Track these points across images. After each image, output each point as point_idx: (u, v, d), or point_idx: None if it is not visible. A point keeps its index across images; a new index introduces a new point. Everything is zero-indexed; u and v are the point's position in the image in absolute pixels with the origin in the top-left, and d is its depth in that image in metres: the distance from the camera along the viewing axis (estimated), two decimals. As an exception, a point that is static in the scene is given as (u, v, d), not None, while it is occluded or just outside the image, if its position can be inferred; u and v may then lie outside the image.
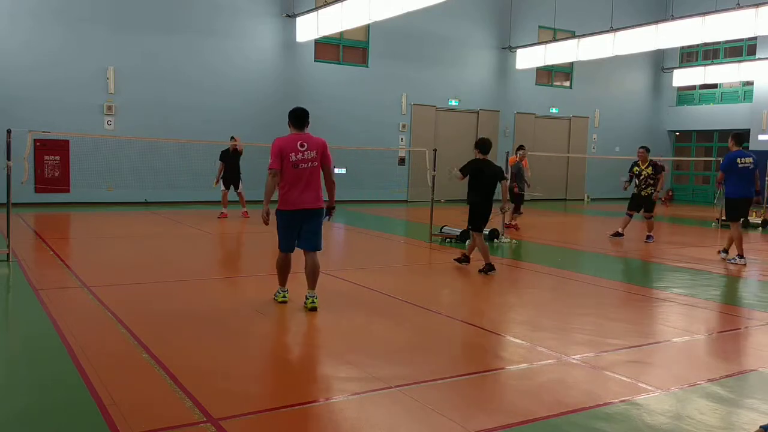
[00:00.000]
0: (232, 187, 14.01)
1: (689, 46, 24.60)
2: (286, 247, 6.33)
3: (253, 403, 3.98)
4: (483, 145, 8.64)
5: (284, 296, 6.51)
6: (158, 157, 15.97)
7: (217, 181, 14.02)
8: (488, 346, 5.51)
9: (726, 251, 10.58)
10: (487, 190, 8.55)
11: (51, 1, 15.73)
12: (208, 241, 11.33)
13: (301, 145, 6.09)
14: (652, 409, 4.09)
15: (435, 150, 11.99)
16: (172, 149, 15.43)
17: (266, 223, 6.25)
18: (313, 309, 6.23)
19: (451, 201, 19.54)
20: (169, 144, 15.30)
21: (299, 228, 6.22)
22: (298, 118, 6.22)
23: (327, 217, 6.38)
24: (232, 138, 13.97)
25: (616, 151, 24.95)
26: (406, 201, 20.61)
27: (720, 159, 17.43)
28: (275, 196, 6.18)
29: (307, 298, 6.31)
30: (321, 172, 6.23)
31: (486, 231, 11.81)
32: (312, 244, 6.29)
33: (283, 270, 6.46)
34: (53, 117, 15.13)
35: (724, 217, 13.89)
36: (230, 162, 13.84)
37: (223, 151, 13.97)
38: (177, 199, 16.38)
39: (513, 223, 13.42)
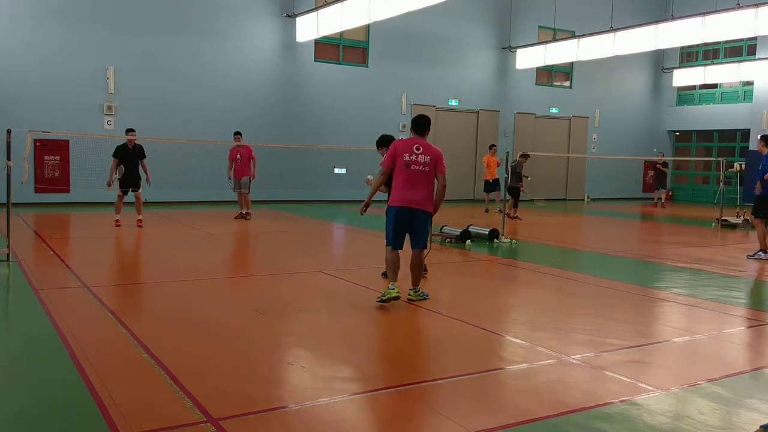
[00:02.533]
0: (130, 189, 12.13)
1: (689, 46, 24.60)
2: (391, 242, 6.62)
3: (253, 403, 3.98)
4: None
5: (396, 292, 6.46)
6: (158, 157, 15.92)
7: (111, 182, 11.87)
8: (488, 346, 5.51)
9: (766, 251, 10.51)
10: None
11: (51, 1, 15.73)
12: (208, 241, 11.33)
13: (417, 148, 6.44)
14: (652, 409, 4.09)
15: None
16: (172, 149, 15.42)
17: (362, 214, 6.84)
18: (410, 301, 6.66)
19: (450, 201, 19.53)
20: (169, 144, 15.30)
21: (408, 226, 6.53)
22: (419, 123, 6.59)
23: (453, 241, 6.75)
24: (130, 131, 12.08)
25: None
26: (406, 201, 20.59)
27: (720, 159, 17.52)
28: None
29: (409, 292, 6.71)
30: (434, 180, 6.51)
31: (486, 231, 11.82)
32: (417, 243, 6.66)
33: (391, 265, 6.59)
34: (53, 117, 15.13)
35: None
36: (129, 160, 11.94)
37: (118, 147, 12.02)
38: (177, 199, 16.38)
39: (514, 215, 15.57)
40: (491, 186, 17.98)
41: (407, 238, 6.72)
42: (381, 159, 7.75)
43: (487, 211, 17.54)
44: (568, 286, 8.31)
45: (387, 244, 6.65)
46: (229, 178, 13.81)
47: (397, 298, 6.48)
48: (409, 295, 6.74)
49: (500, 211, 17.29)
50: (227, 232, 12.25)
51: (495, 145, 18.58)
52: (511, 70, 22.78)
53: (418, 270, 6.75)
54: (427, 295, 6.84)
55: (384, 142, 7.70)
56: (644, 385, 4.48)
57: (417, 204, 6.46)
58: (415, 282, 6.77)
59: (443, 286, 7.84)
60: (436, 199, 6.59)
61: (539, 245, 12.27)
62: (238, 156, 13.71)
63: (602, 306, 7.06)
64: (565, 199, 24.57)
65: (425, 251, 6.78)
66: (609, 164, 25.14)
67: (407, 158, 6.41)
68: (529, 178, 16.67)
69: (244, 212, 13.85)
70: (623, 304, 7.24)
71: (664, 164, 21.80)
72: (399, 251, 6.66)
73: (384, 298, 6.47)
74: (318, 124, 18.89)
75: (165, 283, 7.94)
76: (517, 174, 15.56)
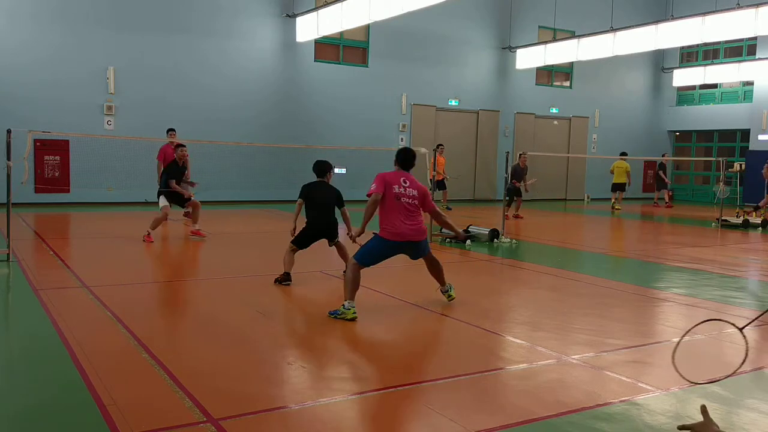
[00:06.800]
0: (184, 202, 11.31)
1: (689, 46, 24.58)
2: (368, 263, 6.39)
3: (253, 403, 3.98)
4: (315, 168, 7.88)
5: (354, 311, 6.05)
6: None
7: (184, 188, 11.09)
8: (488, 346, 5.51)
9: None
10: (318, 212, 7.73)
11: (51, 0, 15.73)
12: (208, 241, 11.32)
13: (404, 181, 6.39)
14: (652, 409, 4.09)
15: (435, 150, 12.03)
16: (172, 149, 15.42)
17: (354, 241, 6.91)
18: (451, 298, 6.74)
19: (450, 201, 19.54)
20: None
21: (400, 252, 6.50)
22: (407, 159, 6.57)
23: (453, 241, 6.77)
24: (181, 146, 11.17)
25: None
26: (406, 201, 20.59)
27: (720, 159, 17.53)
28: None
29: (444, 292, 6.76)
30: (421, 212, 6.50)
31: (486, 231, 11.82)
32: (417, 256, 6.65)
33: (354, 284, 6.22)
34: (53, 117, 15.11)
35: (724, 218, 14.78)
36: (179, 176, 11.09)
37: (172, 165, 11.11)
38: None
39: (516, 214, 16.05)
40: (441, 184, 17.72)
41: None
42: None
43: (449, 208, 17.57)
44: (568, 286, 8.31)
45: (358, 262, 6.28)
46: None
47: (354, 319, 6.02)
48: (450, 295, 6.72)
49: (449, 208, 17.42)
50: (226, 232, 12.25)
51: (442, 145, 17.97)
52: (511, 70, 22.78)
53: (439, 272, 6.73)
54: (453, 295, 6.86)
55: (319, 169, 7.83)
56: (644, 385, 4.48)
57: (414, 236, 6.32)
58: (442, 281, 6.77)
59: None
60: (443, 224, 6.75)
61: (539, 245, 12.27)
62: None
63: (602, 306, 7.06)
64: (565, 199, 24.57)
65: (430, 253, 6.76)
66: (609, 164, 25.12)
67: (397, 190, 6.29)
68: (528, 183, 16.40)
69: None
70: (623, 304, 7.24)
71: (660, 165, 21.85)
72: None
73: (339, 316, 6.03)
74: (318, 124, 18.88)
75: (165, 283, 7.94)
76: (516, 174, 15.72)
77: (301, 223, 7.75)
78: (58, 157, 15.94)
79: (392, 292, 7.25)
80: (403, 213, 6.28)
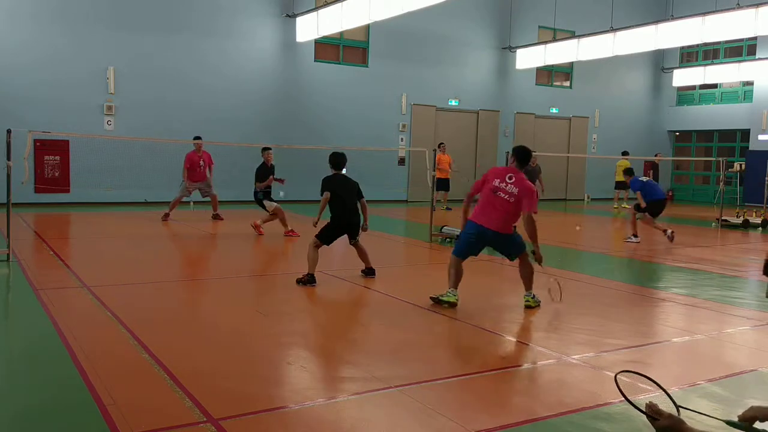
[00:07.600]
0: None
1: (689, 46, 24.58)
2: (460, 253, 6.68)
3: (253, 403, 3.98)
4: (334, 161, 8.06)
5: (455, 296, 6.51)
6: (158, 157, 15.96)
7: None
8: (488, 346, 5.51)
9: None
10: (342, 209, 7.94)
11: (51, 0, 15.73)
12: (208, 241, 11.33)
13: (509, 178, 6.52)
14: (652, 409, 4.08)
15: (435, 150, 12.02)
16: (172, 149, 15.42)
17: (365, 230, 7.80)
18: (528, 307, 6.66)
19: (451, 201, 19.57)
20: (169, 144, 15.30)
21: (482, 244, 6.70)
22: (521, 155, 6.69)
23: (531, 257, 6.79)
24: (267, 149, 12.15)
25: None
26: (406, 201, 20.61)
27: (720, 159, 17.55)
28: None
29: (525, 298, 6.77)
30: (517, 212, 6.54)
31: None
32: (511, 254, 6.78)
33: (457, 274, 6.62)
34: (53, 117, 15.12)
35: (723, 217, 14.94)
36: (269, 176, 11.91)
37: (262, 168, 11.94)
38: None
39: None
40: (445, 185, 17.82)
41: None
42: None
43: (434, 209, 17.48)
44: (568, 286, 8.30)
45: (453, 254, 6.70)
46: (189, 186, 13.47)
47: (452, 304, 6.46)
48: (526, 301, 6.74)
49: (448, 209, 17.32)
50: (228, 233, 12.24)
51: (443, 143, 18.17)
52: (511, 70, 22.78)
53: (527, 276, 6.77)
54: (540, 301, 6.81)
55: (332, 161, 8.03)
56: (644, 385, 4.47)
57: (494, 226, 6.48)
58: (527, 286, 6.79)
59: (443, 286, 7.84)
60: (529, 234, 6.56)
61: (539, 245, 12.24)
62: (202, 162, 13.52)
63: (602, 306, 7.06)
64: (565, 199, 24.57)
65: (526, 254, 6.76)
66: (609, 164, 25.13)
67: (497, 184, 6.51)
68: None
69: (217, 213, 13.82)
70: (623, 304, 7.24)
71: (654, 165, 21.72)
72: (462, 261, 6.67)
73: (442, 298, 6.50)
74: (318, 124, 18.88)
75: (165, 283, 7.94)
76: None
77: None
78: (58, 157, 15.94)
79: (392, 292, 7.25)
80: (492, 205, 6.47)
